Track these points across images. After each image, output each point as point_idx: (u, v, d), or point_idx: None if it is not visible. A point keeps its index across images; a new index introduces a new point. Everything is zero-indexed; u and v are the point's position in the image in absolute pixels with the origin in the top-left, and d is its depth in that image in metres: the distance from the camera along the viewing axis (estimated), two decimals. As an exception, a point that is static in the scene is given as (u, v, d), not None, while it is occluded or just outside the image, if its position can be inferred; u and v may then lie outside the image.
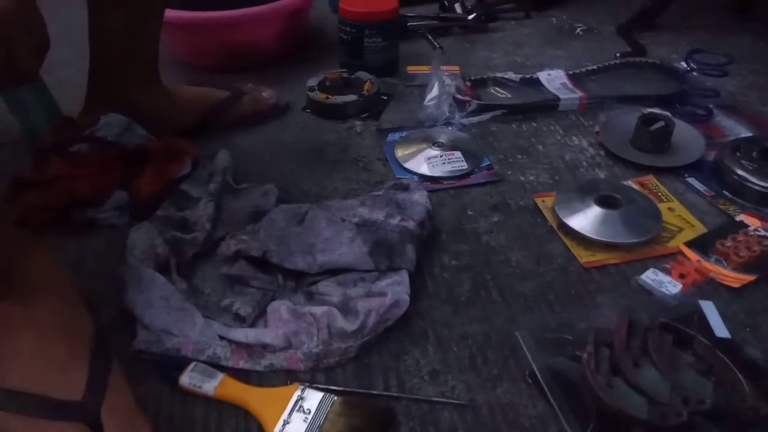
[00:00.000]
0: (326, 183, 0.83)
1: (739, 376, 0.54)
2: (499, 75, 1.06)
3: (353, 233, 0.67)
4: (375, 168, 0.86)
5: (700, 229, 0.74)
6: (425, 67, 1.04)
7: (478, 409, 0.54)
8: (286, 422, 0.52)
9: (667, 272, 0.67)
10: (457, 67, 1.08)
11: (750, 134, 0.90)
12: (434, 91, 0.95)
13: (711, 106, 0.95)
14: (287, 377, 0.57)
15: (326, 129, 0.95)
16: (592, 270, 0.69)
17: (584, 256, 0.70)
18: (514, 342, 0.59)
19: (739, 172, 0.78)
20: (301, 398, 0.54)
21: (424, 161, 0.85)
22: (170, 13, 0.97)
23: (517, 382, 0.57)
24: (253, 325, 0.61)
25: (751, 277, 0.66)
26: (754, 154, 0.80)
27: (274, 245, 0.66)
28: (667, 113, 0.91)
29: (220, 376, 0.56)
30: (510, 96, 1.03)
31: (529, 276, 0.68)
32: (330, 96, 0.98)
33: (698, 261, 0.69)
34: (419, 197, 0.72)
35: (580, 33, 1.26)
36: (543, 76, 1.05)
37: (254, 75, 1.05)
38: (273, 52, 1.12)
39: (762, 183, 0.77)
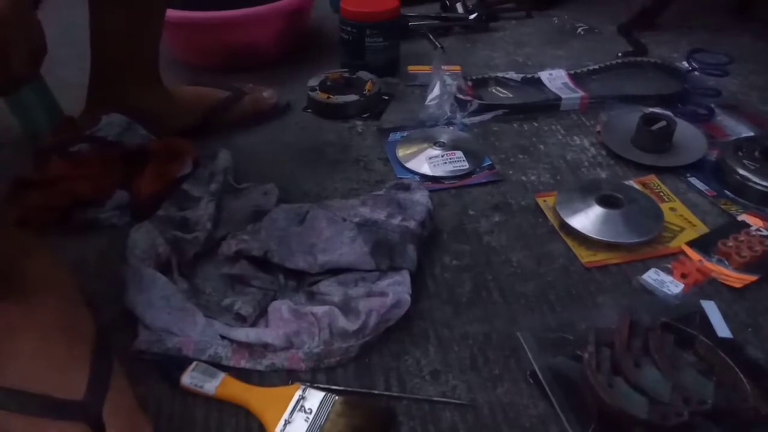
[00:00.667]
0: (327, 183, 0.83)
1: (741, 376, 0.54)
2: (500, 75, 1.06)
3: (354, 233, 0.67)
4: (376, 168, 0.86)
5: (702, 228, 0.74)
6: (426, 67, 1.04)
7: (478, 408, 0.54)
8: (287, 422, 0.52)
9: (669, 272, 0.67)
10: (458, 67, 1.08)
11: (752, 134, 0.90)
12: (435, 91, 0.95)
13: (712, 105, 0.95)
14: (288, 377, 0.57)
15: (327, 129, 0.95)
16: (594, 270, 0.69)
17: (585, 256, 0.70)
18: (515, 342, 0.59)
19: (741, 171, 0.78)
20: (302, 398, 0.54)
21: (426, 161, 0.85)
22: (171, 13, 0.97)
23: (518, 382, 0.56)
24: (254, 324, 0.61)
25: (752, 277, 0.66)
26: (756, 153, 0.80)
27: (275, 245, 0.66)
28: (669, 113, 0.90)
29: (221, 375, 0.56)
30: (511, 96, 1.03)
31: (530, 276, 0.68)
32: (331, 96, 0.98)
33: (700, 261, 0.68)
34: (420, 197, 0.72)
35: (581, 32, 1.26)
36: (544, 75, 1.05)
37: (255, 75, 1.05)
38: (274, 52, 1.12)
39: (764, 182, 0.76)
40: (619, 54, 1.13)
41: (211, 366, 0.57)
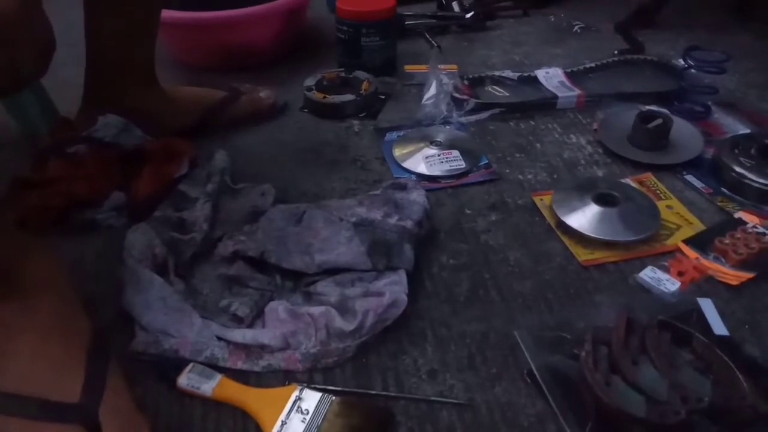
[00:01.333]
0: (324, 183, 0.83)
1: (738, 374, 0.54)
2: (497, 73, 1.06)
3: (351, 233, 0.67)
4: (373, 167, 0.86)
5: (699, 226, 0.74)
6: (423, 66, 1.04)
7: (476, 408, 0.54)
8: (284, 423, 0.52)
9: (666, 270, 0.67)
10: (455, 66, 1.08)
11: (748, 131, 0.90)
12: (432, 90, 0.95)
13: (709, 103, 0.95)
14: (285, 378, 0.57)
15: (324, 129, 0.95)
16: (591, 268, 0.69)
17: (582, 255, 0.70)
18: (512, 341, 0.59)
19: (738, 169, 0.78)
20: (299, 399, 0.54)
21: (422, 160, 0.85)
22: (168, 14, 0.97)
23: (516, 381, 0.56)
24: (251, 325, 0.61)
25: (749, 275, 0.66)
26: (753, 151, 0.80)
27: (272, 245, 0.66)
28: (666, 110, 0.90)
29: (218, 376, 0.56)
30: (508, 94, 1.03)
31: (528, 275, 0.68)
32: (327, 95, 0.98)
33: (697, 258, 0.68)
34: (417, 196, 0.72)
35: (578, 31, 1.26)
36: (541, 74, 1.05)
37: (252, 75, 1.05)
38: (270, 52, 1.12)
39: (760, 180, 0.76)
40: (616, 52, 1.13)
41: (207, 367, 0.57)
